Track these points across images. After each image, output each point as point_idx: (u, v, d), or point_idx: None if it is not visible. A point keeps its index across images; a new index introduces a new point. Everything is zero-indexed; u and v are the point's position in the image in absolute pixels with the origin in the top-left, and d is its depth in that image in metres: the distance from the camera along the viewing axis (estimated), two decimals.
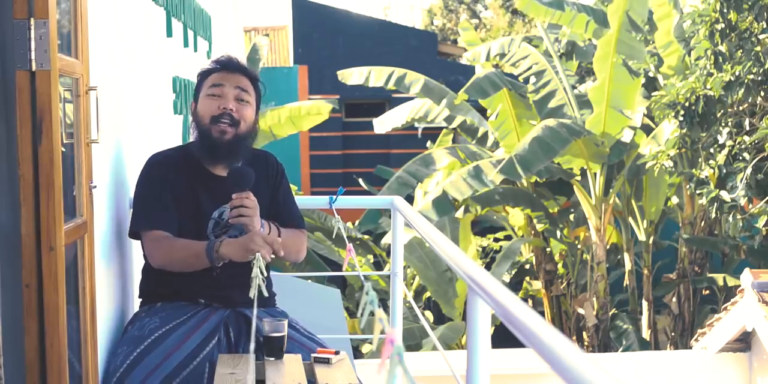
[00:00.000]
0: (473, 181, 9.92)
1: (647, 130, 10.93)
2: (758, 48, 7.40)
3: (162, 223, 2.67)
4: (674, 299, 11.49)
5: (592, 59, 10.47)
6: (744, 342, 7.08)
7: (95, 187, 2.40)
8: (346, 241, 3.31)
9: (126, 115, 3.01)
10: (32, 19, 1.98)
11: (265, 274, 2.33)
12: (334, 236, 11.10)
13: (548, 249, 12.19)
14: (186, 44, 4.18)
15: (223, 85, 2.71)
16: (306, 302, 5.47)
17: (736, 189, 7.47)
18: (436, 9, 33.36)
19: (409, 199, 10.26)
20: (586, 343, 11.09)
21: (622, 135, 10.42)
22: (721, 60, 7.57)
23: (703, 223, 11.27)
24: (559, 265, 12.40)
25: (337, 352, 2.67)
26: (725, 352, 7.12)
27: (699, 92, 7.66)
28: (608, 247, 11.43)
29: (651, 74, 11.29)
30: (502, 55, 11.54)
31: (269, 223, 2.75)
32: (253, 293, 2.10)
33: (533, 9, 11.09)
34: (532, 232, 12.10)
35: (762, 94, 7.75)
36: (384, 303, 8.65)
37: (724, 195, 7.56)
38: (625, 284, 11.86)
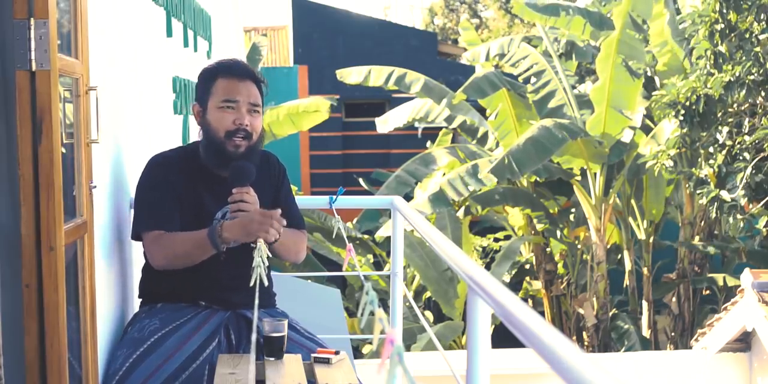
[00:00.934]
0: (471, 179, 9.92)
1: (647, 130, 10.93)
2: (758, 48, 7.39)
3: (163, 224, 2.66)
4: (674, 299, 11.49)
5: (592, 59, 10.47)
6: (744, 342, 7.08)
7: (95, 187, 2.40)
8: (346, 241, 3.31)
9: (126, 115, 3.01)
10: (32, 19, 1.98)
11: (266, 262, 2.32)
12: (334, 236, 11.10)
13: (548, 249, 12.19)
14: (186, 44, 4.18)
15: (237, 100, 2.69)
16: (306, 302, 5.47)
17: (735, 189, 7.46)
18: (437, 8, 33.37)
19: (408, 198, 10.26)
20: (586, 343, 11.08)
21: (622, 135, 10.42)
22: (721, 60, 7.57)
23: (703, 223, 11.27)
24: (559, 265, 12.40)
25: (337, 352, 2.66)
26: (725, 352, 7.12)
27: (699, 91, 7.65)
28: (608, 247, 11.43)
29: (648, 73, 11.30)
30: (502, 55, 11.54)
31: None
32: (253, 282, 2.08)
33: (528, 14, 11.08)
34: (532, 232, 12.11)
35: (762, 94, 7.74)
36: (384, 303, 8.65)
37: (724, 195, 7.56)
38: (625, 284, 11.85)
